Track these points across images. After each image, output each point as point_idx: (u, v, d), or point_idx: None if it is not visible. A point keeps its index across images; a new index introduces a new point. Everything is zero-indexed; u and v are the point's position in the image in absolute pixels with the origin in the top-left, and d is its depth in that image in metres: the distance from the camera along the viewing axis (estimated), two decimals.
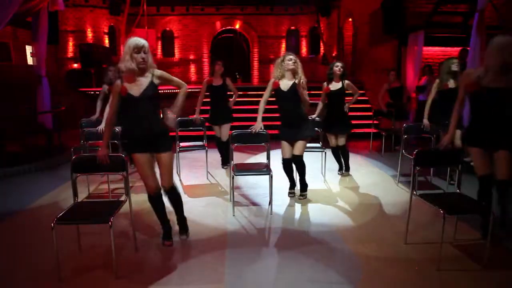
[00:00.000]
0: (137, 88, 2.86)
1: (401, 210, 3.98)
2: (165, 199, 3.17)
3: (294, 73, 3.89)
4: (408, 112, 7.42)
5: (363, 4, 10.10)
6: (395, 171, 5.19)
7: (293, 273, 2.79)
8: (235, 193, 4.29)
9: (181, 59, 15.70)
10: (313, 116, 4.89)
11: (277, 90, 4.00)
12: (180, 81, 3.13)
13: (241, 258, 3.01)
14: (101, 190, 4.79)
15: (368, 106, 9.49)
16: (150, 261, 2.99)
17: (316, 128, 4.89)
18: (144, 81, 2.88)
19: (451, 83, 4.55)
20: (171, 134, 3.24)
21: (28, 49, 10.97)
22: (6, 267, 2.92)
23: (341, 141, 5.07)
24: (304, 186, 4.34)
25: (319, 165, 5.30)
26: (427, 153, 3.23)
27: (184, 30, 15.52)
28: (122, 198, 3.15)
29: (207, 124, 5.48)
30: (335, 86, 4.92)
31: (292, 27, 15.91)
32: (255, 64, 16.07)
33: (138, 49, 2.80)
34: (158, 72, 2.95)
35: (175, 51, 15.67)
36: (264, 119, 4.12)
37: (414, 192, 3.11)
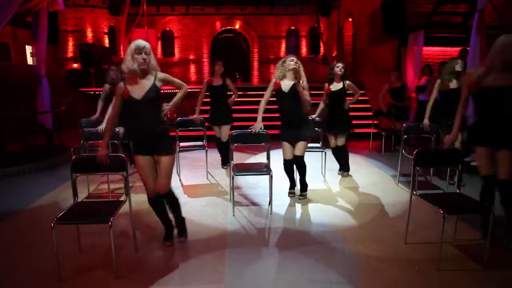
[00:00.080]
0: (139, 90, 2.86)
1: (401, 210, 3.99)
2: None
3: (295, 73, 3.89)
4: (409, 112, 7.41)
5: (363, 4, 10.10)
6: (395, 171, 5.19)
7: (293, 273, 2.79)
8: (235, 193, 4.29)
9: (181, 59, 15.71)
10: (313, 116, 4.89)
11: (278, 90, 4.00)
12: (181, 82, 3.16)
13: (241, 258, 3.02)
14: (101, 190, 4.79)
15: (368, 106, 9.49)
16: (150, 261, 2.99)
17: (316, 128, 4.89)
18: (146, 84, 2.88)
19: (453, 84, 4.52)
20: (171, 134, 3.23)
21: (28, 49, 10.96)
22: (6, 267, 2.92)
23: (341, 141, 5.07)
24: (304, 186, 4.34)
25: (319, 165, 5.30)
26: (427, 153, 3.23)
27: (184, 30, 15.53)
28: (122, 198, 3.15)
29: (207, 124, 5.48)
30: (336, 86, 4.93)
31: (292, 27, 15.90)
32: (255, 64, 16.06)
33: (139, 50, 2.80)
34: (161, 75, 2.94)
35: (175, 51, 15.68)
36: (264, 119, 4.12)
37: (414, 192, 3.11)
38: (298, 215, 3.96)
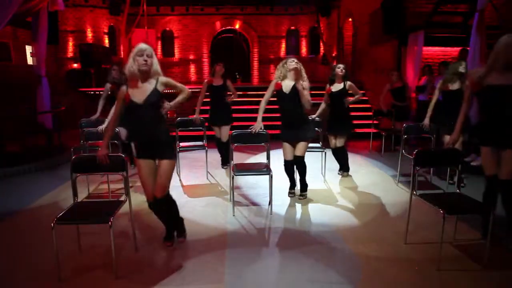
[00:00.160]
0: (140, 94, 2.85)
1: (401, 210, 3.98)
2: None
3: (296, 73, 3.90)
4: (410, 113, 7.39)
5: (363, 4, 10.10)
6: (395, 171, 5.19)
7: (293, 273, 2.79)
8: (235, 193, 4.29)
9: (181, 59, 15.71)
10: (313, 116, 4.89)
11: (279, 91, 4.01)
12: (184, 87, 3.09)
13: (241, 258, 3.01)
14: (101, 190, 4.79)
15: (368, 106, 9.48)
16: (150, 261, 2.98)
17: (316, 128, 4.89)
18: (148, 88, 2.87)
19: (455, 85, 4.48)
20: (171, 134, 3.23)
21: (28, 49, 10.96)
22: (6, 267, 2.92)
23: (340, 142, 5.07)
24: (304, 186, 4.35)
25: (319, 165, 5.30)
26: (427, 153, 3.22)
27: (184, 30, 15.53)
28: (122, 198, 3.14)
29: (206, 124, 5.49)
30: (336, 87, 4.93)
31: (292, 27, 15.90)
32: (255, 64, 16.06)
33: (141, 52, 2.81)
34: (163, 79, 2.93)
35: (175, 51, 15.68)
36: (264, 119, 4.12)
37: (414, 192, 3.11)
38: (298, 215, 3.96)
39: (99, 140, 4.50)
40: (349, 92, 4.97)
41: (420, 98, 7.27)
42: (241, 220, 3.78)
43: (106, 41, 13.94)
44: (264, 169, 4.05)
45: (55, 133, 7.13)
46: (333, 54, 13.15)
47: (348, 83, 4.91)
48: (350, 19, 11.71)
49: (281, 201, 4.28)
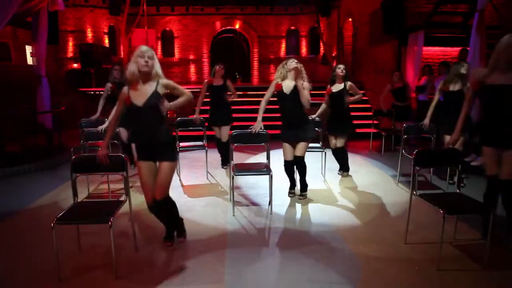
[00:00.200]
0: (141, 97, 2.85)
1: (401, 210, 3.98)
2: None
3: (296, 72, 3.91)
4: (411, 113, 7.36)
5: (363, 4, 10.10)
6: (395, 171, 5.19)
7: (293, 273, 2.79)
8: (235, 193, 4.29)
9: (181, 59, 15.71)
10: (313, 116, 4.89)
11: (279, 92, 4.02)
12: (185, 90, 3.04)
13: (241, 258, 3.01)
14: (101, 190, 4.79)
15: (368, 106, 9.49)
16: (150, 261, 2.98)
17: (316, 128, 4.89)
18: (148, 90, 2.86)
19: (456, 86, 4.46)
20: (171, 134, 3.23)
21: (28, 49, 10.96)
22: (6, 267, 2.92)
23: (340, 142, 5.07)
24: (304, 186, 4.35)
25: (319, 165, 5.30)
26: (427, 153, 3.22)
27: (184, 30, 15.53)
28: (122, 198, 3.14)
29: (206, 124, 5.49)
30: (337, 87, 4.93)
31: (292, 27, 15.91)
32: (255, 64, 16.07)
33: (142, 53, 2.82)
34: (164, 81, 2.92)
35: (175, 51, 15.68)
36: (264, 119, 4.12)
37: (414, 192, 3.11)
38: (298, 215, 3.96)
39: (99, 140, 4.50)
40: (349, 92, 4.97)
41: (420, 98, 7.27)
42: (241, 220, 3.78)
43: (106, 41, 13.94)
44: (264, 169, 4.05)
45: (55, 133, 7.13)
46: (333, 54, 13.15)
47: (349, 83, 4.91)
48: (350, 19, 11.71)
49: (281, 201, 4.28)
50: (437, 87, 4.74)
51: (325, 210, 4.05)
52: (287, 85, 3.99)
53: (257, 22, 15.71)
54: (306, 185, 4.36)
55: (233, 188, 4.12)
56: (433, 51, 8.03)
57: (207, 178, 5.26)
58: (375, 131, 7.24)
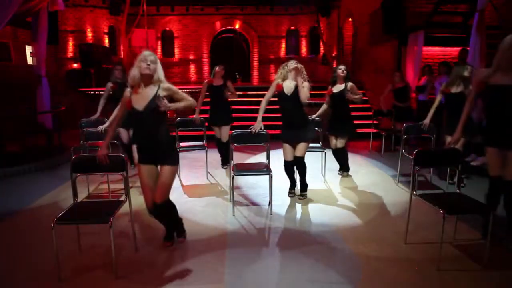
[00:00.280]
0: (142, 100, 2.85)
1: (401, 210, 3.99)
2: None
3: (297, 72, 3.92)
4: (412, 113, 7.34)
5: (363, 4, 10.10)
6: (395, 171, 5.19)
7: (293, 273, 2.79)
8: (235, 193, 4.29)
9: (181, 59, 15.71)
10: (313, 116, 4.90)
11: (279, 92, 4.03)
12: (186, 96, 3.01)
13: (241, 258, 3.01)
14: (101, 190, 4.79)
15: (368, 106, 9.49)
16: (150, 261, 2.98)
17: (316, 128, 4.89)
18: (149, 94, 2.86)
19: (457, 88, 4.44)
20: (171, 134, 3.23)
21: (28, 49, 10.96)
22: (6, 267, 2.92)
23: (340, 143, 5.07)
24: (304, 186, 4.35)
25: (319, 165, 5.30)
26: (427, 153, 3.22)
27: (184, 30, 15.53)
28: (122, 198, 3.14)
29: (206, 124, 5.49)
30: (337, 88, 4.94)
31: (292, 27, 15.90)
32: (255, 64, 16.06)
33: (144, 57, 2.83)
34: (166, 85, 2.92)
35: (175, 51, 15.68)
36: (264, 119, 4.12)
37: (414, 192, 3.11)
38: (298, 215, 3.96)
39: (99, 140, 4.50)
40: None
41: (420, 98, 7.26)
42: (241, 220, 3.78)
43: (106, 41, 13.93)
44: (264, 169, 4.05)
45: (55, 133, 7.13)
46: (333, 54, 13.15)
47: (350, 84, 4.91)
48: (350, 19, 11.71)
49: (281, 201, 4.28)
50: (438, 87, 4.74)
51: (325, 210, 4.05)
52: (288, 86, 4.00)
53: (257, 22, 15.71)
54: (306, 185, 4.36)
55: (233, 188, 4.12)
56: (433, 51, 8.03)
57: (207, 178, 5.26)
58: (375, 131, 7.24)
